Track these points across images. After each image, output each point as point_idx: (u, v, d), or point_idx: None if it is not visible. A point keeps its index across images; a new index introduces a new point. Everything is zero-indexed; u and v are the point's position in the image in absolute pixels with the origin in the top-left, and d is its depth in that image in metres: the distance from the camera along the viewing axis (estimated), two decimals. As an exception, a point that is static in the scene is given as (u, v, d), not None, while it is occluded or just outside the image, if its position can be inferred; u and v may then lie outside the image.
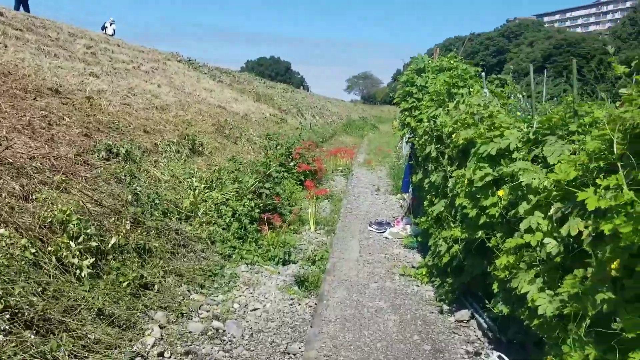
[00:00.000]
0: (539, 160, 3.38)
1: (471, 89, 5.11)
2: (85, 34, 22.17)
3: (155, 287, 5.29)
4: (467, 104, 4.73)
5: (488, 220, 3.64)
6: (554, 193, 2.94)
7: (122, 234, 5.49)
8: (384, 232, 8.18)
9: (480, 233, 3.81)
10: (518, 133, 3.59)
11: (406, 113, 6.62)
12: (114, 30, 34.91)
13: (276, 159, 12.93)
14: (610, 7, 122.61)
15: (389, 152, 19.21)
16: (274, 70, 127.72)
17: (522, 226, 3.07)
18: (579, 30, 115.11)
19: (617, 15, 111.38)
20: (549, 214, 2.97)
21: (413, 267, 6.66)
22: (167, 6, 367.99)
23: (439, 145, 5.12)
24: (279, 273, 6.71)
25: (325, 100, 57.50)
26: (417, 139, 5.98)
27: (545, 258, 2.90)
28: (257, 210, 8.15)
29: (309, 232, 8.93)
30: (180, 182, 8.64)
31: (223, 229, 7.62)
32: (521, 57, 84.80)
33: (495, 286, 3.64)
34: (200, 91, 22.24)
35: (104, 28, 35.68)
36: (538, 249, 2.96)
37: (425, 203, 5.66)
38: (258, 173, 8.72)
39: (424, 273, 6.05)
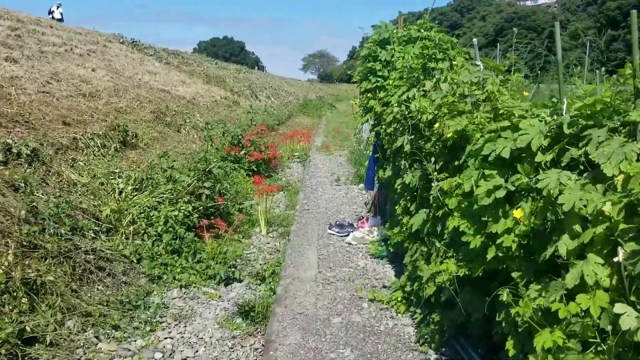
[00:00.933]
0: (579, 165, 2.22)
1: (454, 62, 3.93)
2: (12, 15, 20.04)
3: (47, 338, 3.96)
4: (451, 82, 3.56)
5: (501, 253, 2.48)
6: (625, 226, 1.80)
7: (2, 267, 4.12)
8: (346, 235, 6.97)
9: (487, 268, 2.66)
10: (541, 124, 2.42)
11: (369, 95, 5.37)
12: (62, 14, 32.44)
13: (220, 150, 11.59)
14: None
15: (348, 134, 18.00)
16: (228, 51, 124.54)
17: (570, 280, 1.92)
18: (529, 3, 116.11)
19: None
20: (616, 259, 1.82)
21: (385, 286, 5.42)
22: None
23: (414, 137, 3.94)
24: (219, 297, 5.45)
25: (281, 80, 55.82)
26: (383, 127, 4.79)
27: (617, 339, 1.77)
28: (196, 215, 6.85)
29: (260, 236, 7.68)
30: (102, 184, 7.23)
31: (153, 241, 6.30)
32: (474, 31, 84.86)
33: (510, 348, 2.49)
34: (143, 74, 20.51)
35: (50, 12, 33.16)
36: (599, 320, 1.82)
37: (398, 209, 4.48)
38: (197, 170, 7.37)
39: (399, 299, 4.76)
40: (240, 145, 12.39)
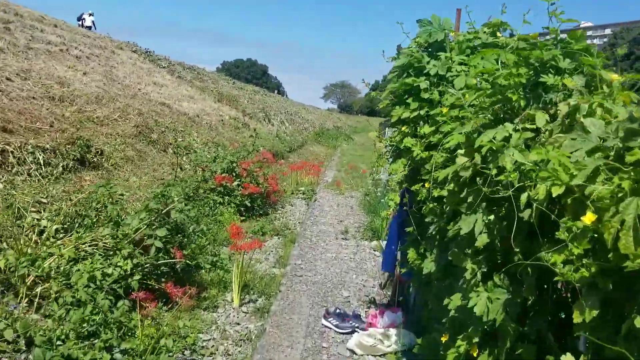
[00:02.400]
0: None
1: (605, 84, 1.94)
2: (10, 8, 18.49)
3: None
4: (608, 117, 1.55)
5: None
6: None
7: None
8: (349, 332, 4.81)
9: None
10: None
11: (404, 129, 3.36)
12: (93, 23, 31.30)
13: (208, 180, 9.58)
14: None
15: (363, 172, 15.91)
16: (250, 73, 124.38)
17: None
18: None
19: None
20: None
21: None
22: (158, 5, 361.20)
23: (501, 223, 1.91)
24: None
25: (299, 106, 54.24)
26: (428, 187, 2.75)
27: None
28: (137, 277, 4.80)
29: (231, 308, 5.58)
30: (19, 218, 5.22)
31: (65, 313, 4.26)
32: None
33: None
34: (147, 85, 18.78)
35: (80, 19, 32.03)
36: None
37: (451, 356, 2.40)
38: (150, 212, 5.31)
39: None
40: (235, 174, 10.39)
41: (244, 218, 10.02)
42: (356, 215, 10.77)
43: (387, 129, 9.95)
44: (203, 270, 6.60)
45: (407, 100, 3.22)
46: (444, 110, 2.85)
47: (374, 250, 7.94)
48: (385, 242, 7.41)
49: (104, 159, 8.19)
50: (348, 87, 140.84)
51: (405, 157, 3.24)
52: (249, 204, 10.14)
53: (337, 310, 4.88)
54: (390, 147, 4.13)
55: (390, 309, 4.63)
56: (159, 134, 11.38)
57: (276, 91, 66.71)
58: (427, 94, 3.09)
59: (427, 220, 2.95)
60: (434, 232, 2.84)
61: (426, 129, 3.02)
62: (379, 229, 8.50)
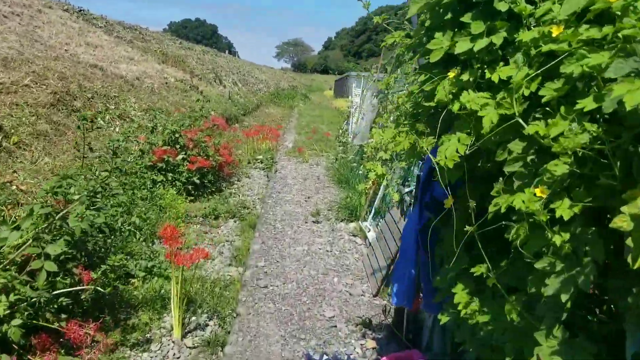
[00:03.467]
0: None
1: None
2: None
3: None
4: None
5: None
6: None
7: None
8: None
9: None
10: None
11: (452, 74, 1.82)
12: None
13: (146, 154, 7.90)
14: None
15: (327, 135, 14.30)
16: (200, 34, 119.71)
17: None
18: None
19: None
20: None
21: None
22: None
23: None
24: None
25: (252, 66, 51.78)
26: (530, 195, 1.37)
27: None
28: (18, 322, 3.21)
29: (169, 344, 4.03)
30: None
31: None
32: None
33: None
34: (77, 46, 16.49)
35: None
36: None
37: None
38: (38, 217, 3.64)
39: None
40: (179, 146, 8.69)
41: (192, 198, 8.41)
42: (326, 189, 9.27)
43: (365, 88, 8.42)
44: (136, 279, 5.05)
45: (464, 20, 1.67)
46: (555, 30, 1.34)
47: (354, 236, 6.49)
48: (371, 232, 5.97)
49: (1, 137, 6.38)
50: (301, 45, 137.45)
51: (463, 127, 1.70)
52: (197, 181, 8.51)
53: (324, 356, 3.40)
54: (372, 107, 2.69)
55: (402, 355, 3.15)
56: (85, 101, 9.48)
57: (227, 51, 63.66)
58: (505, 1, 1.56)
59: (513, 241, 1.47)
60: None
61: (520, 71, 1.47)
62: (357, 207, 7.04)
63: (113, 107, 10.33)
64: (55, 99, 8.71)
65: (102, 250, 4.51)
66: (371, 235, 6.16)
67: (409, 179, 5.06)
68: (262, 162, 11.85)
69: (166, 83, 17.60)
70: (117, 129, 9.19)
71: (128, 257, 4.93)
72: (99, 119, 9.38)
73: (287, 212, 7.68)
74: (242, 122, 19.64)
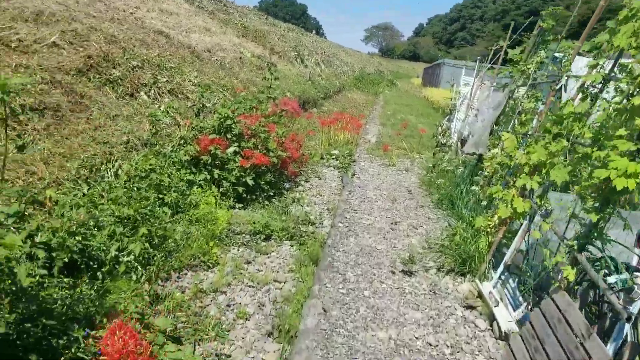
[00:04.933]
0: None
1: None
2: None
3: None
4: None
5: None
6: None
7: None
8: None
9: None
10: None
11: None
12: None
13: (188, 143, 6.01)
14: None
15: (421, 131, 11.81)
16: (289, 13, 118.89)
17: None
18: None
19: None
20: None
21: None
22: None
23: None
24: None
25: (338, 48, 49.59)
26: None
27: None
28: None
29: None
30: None
31: None
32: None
33: None
34: (149, 11, 15.01)
35: None
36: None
37: None
38: None
39: None
40: (232, 136, 6.72)
41: (242, 205, 6.42)
42: (419, 209, 6.93)
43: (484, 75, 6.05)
44: None
45: None
46: None
47: (470, 308, 4.18)
48: (500, 307, 3.67)
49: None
50: (391, 29, 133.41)
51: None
52: (251, 182, 6.50)
53: None
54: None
55: None
56: (127, 70, 7.69)
57: (314, 32, 61.82)
58: None
59: None
60: None
61: None
62: (472, 254, 4.71)
63: (165, 80, 8.51)
64: (87, 65, 6.96)
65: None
66: (502, 313, 3.84)
67: (601, 244, 2.74)
68: (337, 159, 9.71)
69: (240, 58, 15.81)
70: (161, 107, 7.33)
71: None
72: (141, 92, 7.56)
73: (364, 249, 5.46)
74: (321, 107, 17.59)
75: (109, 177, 5.28)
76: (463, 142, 7.91)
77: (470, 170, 6.48)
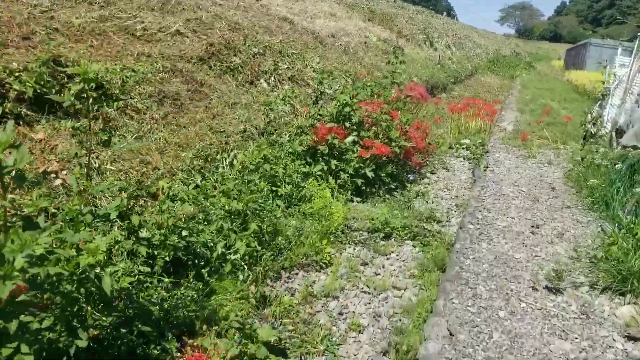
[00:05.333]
0: None
1: None
2: None
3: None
4: None
5: None
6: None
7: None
8: None
9: None
10: None
11: None
12: None
13: (305, 131, 5.70)
14: None
15: (566, 119, 10.47)
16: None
17: None
18: None
19: None
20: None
21: None
22: None
23: None
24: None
25: (470, 30, 47.13)
26: None
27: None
28: None
29: None
30: None
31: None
32: None
33: None
34: (275, -2, 15.07)
35: None
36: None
37: None
38: None
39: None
40: (351, 123, 6.29)
41: (360, 199, 5.98)
42: (565, 210, 5.98)
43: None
44: None
45: None
46: None
47: (634, 340, 3.36)
48: None
49: (102, 98, 4.63)
50: (529, 9, 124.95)
51: None
52: (371, 174, 6.03)
53: None
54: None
55: None
56: (249, 57, 7.55)
57: (444, 13, 59.44)
58: None
59: None
60: None
61: None
62: (638, 270, 3.82)
63: (286, 66, 8.29)
64: (208, 52, 6.90)
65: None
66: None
67: None
68: (467, 149, 8.90)
69: (365, 42, 15.33)
70: (280, 95, 7.08)
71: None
72: (261, 80, 7.38)
73: (499, 257, 4.73)
74: (450, 92, 16.60)
75: (223, 168, 5.10)
76: (619, 131, 6.75)
77: (632, 165, 5.44)
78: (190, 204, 3.90)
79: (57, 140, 3.93)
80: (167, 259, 3.26)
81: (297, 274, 4.31)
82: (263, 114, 6.00)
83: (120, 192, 3.24)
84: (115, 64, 5.23)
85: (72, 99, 4.31)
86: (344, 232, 5.16)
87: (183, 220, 3.84)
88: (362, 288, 4.23)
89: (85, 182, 2.29)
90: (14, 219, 2.85)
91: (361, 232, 5.27)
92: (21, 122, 3.86)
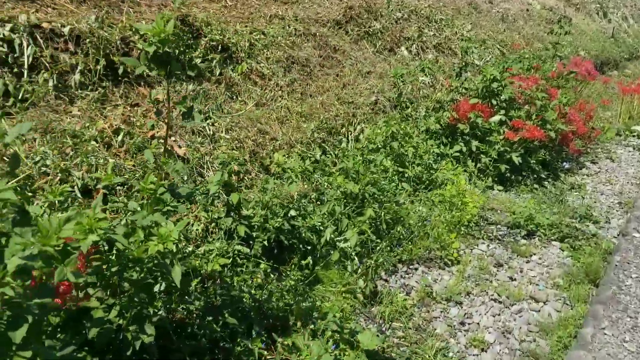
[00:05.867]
0: None
1: None
2: None
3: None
4: None
5: None
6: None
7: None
8: None
9: None
10: None
11: None
12: None
13: (445, 107, 5.09)
14: None
15: None
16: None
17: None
18: None
19: None
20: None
21: None
22: None
23: None
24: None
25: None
26: None
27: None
28: None
29: None
30: None
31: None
32: None
33: None
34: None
35: None
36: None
37: None
38: None
39: None
40: (499, 101, 5.50)
41: (502, 188, 5.26)
42: None
43: None
44: None
45: None
46: None
47: None
48: None
49: (227, 62, 4.39)
50: None
51: None
52: (518, 160, 5.25)
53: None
54: None
55: None
56: (390, 23, 6.96)
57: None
58: None
59: None
60: None
61: None
62: None
63: (432, 33, 7.57)
64: (346, 16, 6.45)
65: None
66: None
67: None
68: (639, 137, 7.55)
69: (527, 10, 13.84)
70: (420, 64, 6.43)
71: None
72: (402, 47, 6.79)
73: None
74: (623, 70, 14.52)
75: (347, 142, 4.68)
76: None
77: None
78: (298, 182, 3.54)
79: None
80: (265, 243, 2.92)
81: (416, 269, 3.80)
82: (394, 87, 5.42)
83: (226, 166, 2.95)
84: (246, 26, 4.98)
85: (195, 61, 4.13)
86: (478, 225, 4.52)
87: (294, 198, 3.50)
88: (492, 295, 3.61)
89: (163, 159, 1.99)
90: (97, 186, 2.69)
91: (499, 226, 4.59)
92: (142, 83, 3.74)
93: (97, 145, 2.90)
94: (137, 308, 1.93)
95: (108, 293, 1.89)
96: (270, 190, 3.10)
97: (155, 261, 1.88)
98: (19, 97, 2.96)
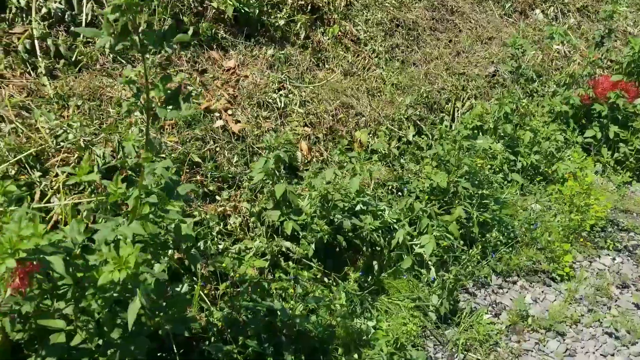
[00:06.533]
0: None
1: None
2: None
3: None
4: None
5: None
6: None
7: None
8: None
9: None
10: None
11: None
12: None
13: (583, 84, 4.22)
14: None
15: None
16: None
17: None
18: None
19: None
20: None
21: None
22: None
23: None
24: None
25: None
26: None
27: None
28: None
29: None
30: None
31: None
32: None
33: None
34: None
35: None
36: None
37: None
38: None
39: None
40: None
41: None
42: None
43: None
44: None
45: None
46: None
47: None
48: None
49: (316, 23, 3.89)
50: None
51: None
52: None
53: None
54: None
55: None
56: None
57: None
58: None
59: None
60: None
61: None
62: None
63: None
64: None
65: None
66: None
67: None
68: None
69: None
70: (558, 29, 5.44)
71: None
72: (537, 10, 5.81)
73: None
74: None
75: (450, 121, 4.02)
76: None
77: None
78: (378, 168, 3.00)
79: (249, 70, 3.38)
80: (314, 245, 2.44)
81: (514, 282, 3.14)
82: (511, 59, 4.54)
83: (272, 151, 2.50)
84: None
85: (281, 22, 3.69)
86: (605, 231, 3.69)
87: (371, 187, 3.00)
88: (607, 328, 2.86)
89: (143, 154, 1.58)
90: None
91: (632, 234, 3.72)
92: (214, 46, 3.39)
93: (141, 117, 2.61)
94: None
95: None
96: (332, 181, 2.59)
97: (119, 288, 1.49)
98: (72, 59, 2.74)
